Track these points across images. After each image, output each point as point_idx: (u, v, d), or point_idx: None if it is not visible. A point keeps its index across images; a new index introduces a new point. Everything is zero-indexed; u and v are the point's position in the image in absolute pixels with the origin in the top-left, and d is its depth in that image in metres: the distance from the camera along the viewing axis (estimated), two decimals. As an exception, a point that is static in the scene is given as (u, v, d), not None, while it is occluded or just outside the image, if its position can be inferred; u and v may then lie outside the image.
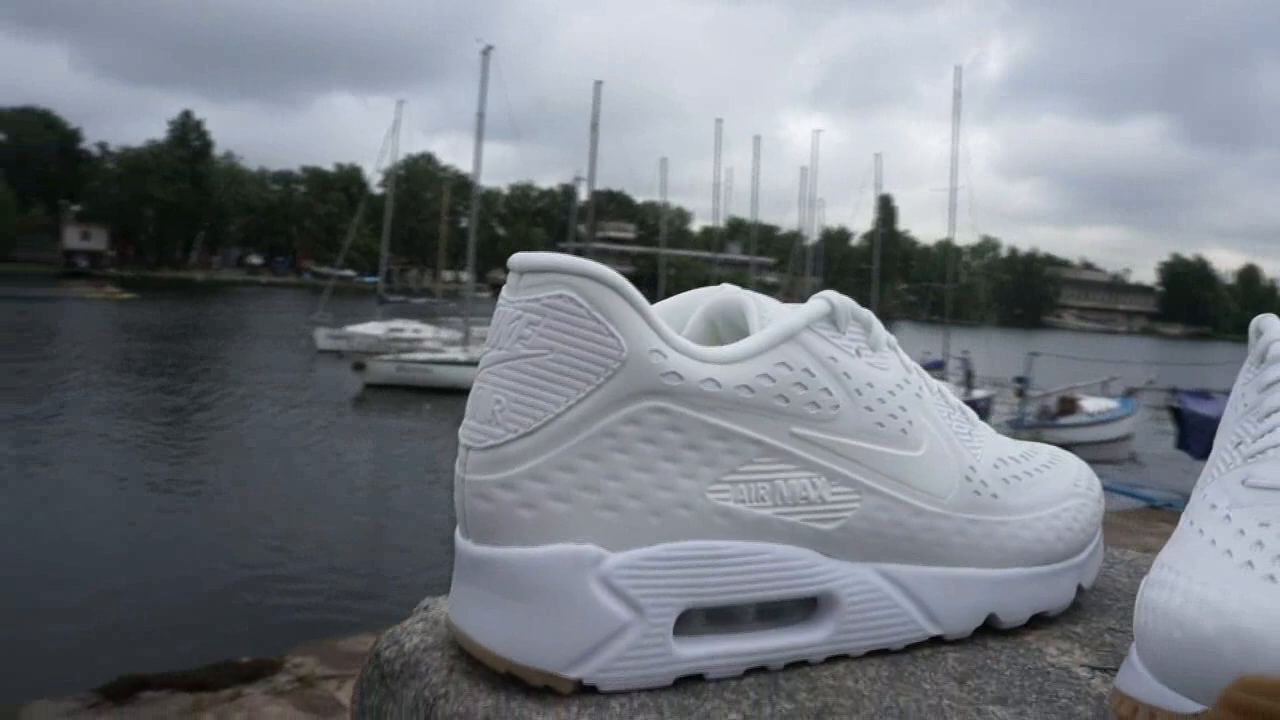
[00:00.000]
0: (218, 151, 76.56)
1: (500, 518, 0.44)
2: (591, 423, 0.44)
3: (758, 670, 0.48)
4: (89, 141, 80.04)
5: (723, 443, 0.46)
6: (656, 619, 0.45)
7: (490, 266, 77.98)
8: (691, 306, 0.53)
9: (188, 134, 73.23)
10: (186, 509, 13.32)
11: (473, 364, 28.19)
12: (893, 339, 0.53)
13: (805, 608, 0.49)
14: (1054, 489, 0.57)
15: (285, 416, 22.60)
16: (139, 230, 73.59)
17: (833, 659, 0.49)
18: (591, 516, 0.44)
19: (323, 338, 33.81)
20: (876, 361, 0.51)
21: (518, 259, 0.46)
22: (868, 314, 0.51)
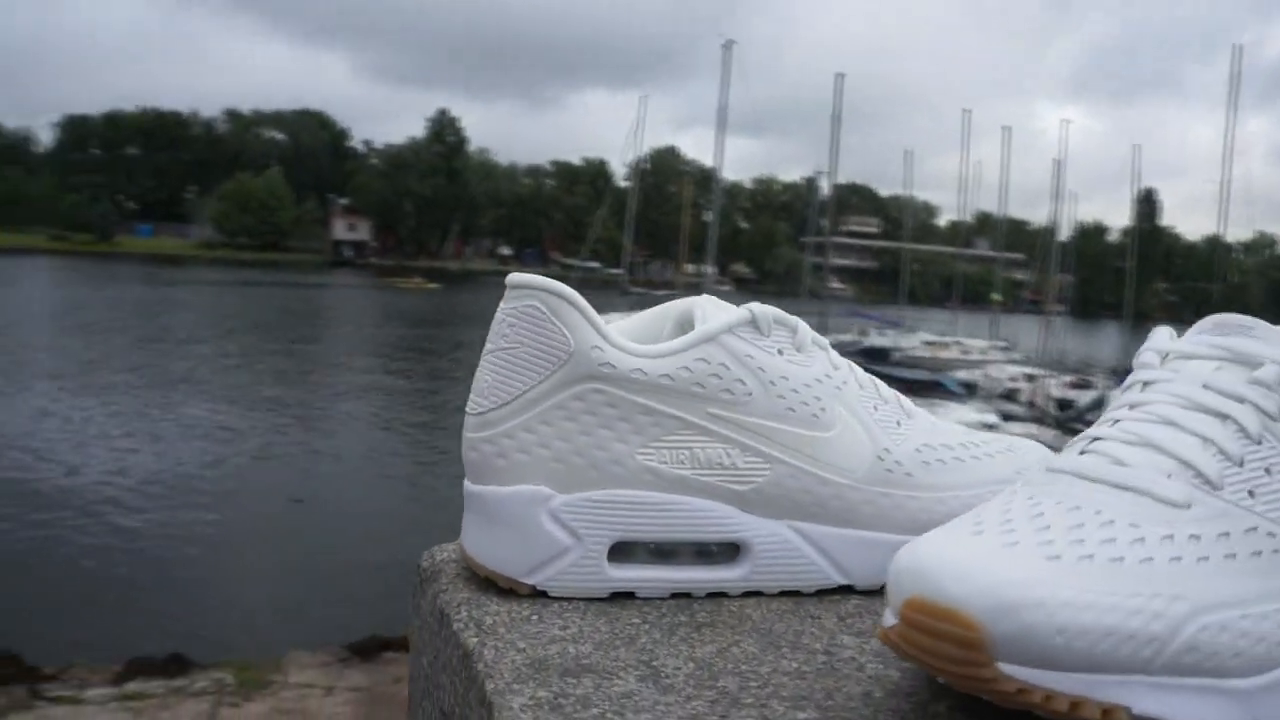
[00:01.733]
0: (472, 147, 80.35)
1: (483, 464, 0.60)
2: (548, 398, 0.59)
3: (683, 596, 0.61)
4: (356, 140, 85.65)
5: (648, 417, 0.60)
6: (592, 546, 0.59)
7: (732, 260, 78.45)
8: (668, 314, 0.67)
9: (444, 131, 77.18)
10: (444, 483, 14.10)
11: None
12: (823, 341, 0.64)
13: (731, 551, 0.62)
14: (985, 474, 0.66)
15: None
16: (399, 222, 78.07)
17: (749, 594, 0.62)
18: (546, 467, 0.59)
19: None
20: (798, 359, 0.63)
21: (509, 278, 0.61)
22: (795, 321, 0.64)
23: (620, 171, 50.38)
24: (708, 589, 0.61)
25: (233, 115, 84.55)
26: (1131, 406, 0.52)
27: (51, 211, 73.51)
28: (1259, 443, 0.48)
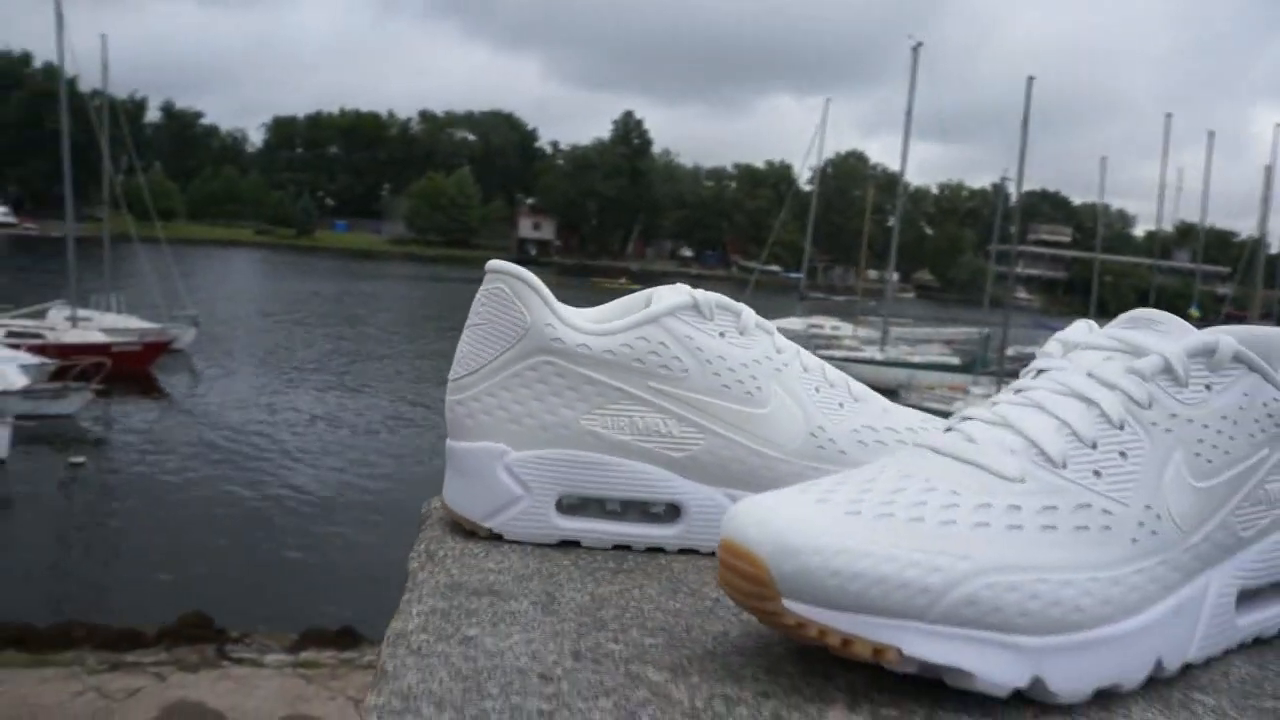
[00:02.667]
0: (656, 149, 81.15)
1: (457, 423, 0.68)
2: (508, 367, 0.67)
3: (624, 548, 0.67)
4: (544, 141, 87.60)
5: (593, 387, 0.66)
6: (540, 497, 0.67)
7: (916, 267, 76.84)
8: (640, 300, 0.73)
9: (629, 133, 78.19)
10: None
11: (889, 364, 28.14)
12: (769, 326, 0.70)
13: (673, 512, 0.68)
14: None
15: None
16: (582, 222, 79.49)
17: (684, 551, 0.68)
18: (504, 427, 0.67)
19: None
20: (739, 342, 0.68)
21: (487, 264, 0.69)
22: (740, 307, 0.69)
23: (804, 175, 49.88)
24: (645, 544, 0.67)
25: (426, 116, 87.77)
26: (1017, 391, 0.56)
27: (259, 207, 77.96)
28: (1120, 428, 0.51)
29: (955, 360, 29.92)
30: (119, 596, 9.30)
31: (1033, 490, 0.49)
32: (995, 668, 0.45)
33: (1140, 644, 0.48)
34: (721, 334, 0.68)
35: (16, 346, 20.57)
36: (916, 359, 29.75)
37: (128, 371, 20.21)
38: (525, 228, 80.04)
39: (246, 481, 13.27)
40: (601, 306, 0.72)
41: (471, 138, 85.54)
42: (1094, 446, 0.50)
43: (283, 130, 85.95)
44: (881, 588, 0.44)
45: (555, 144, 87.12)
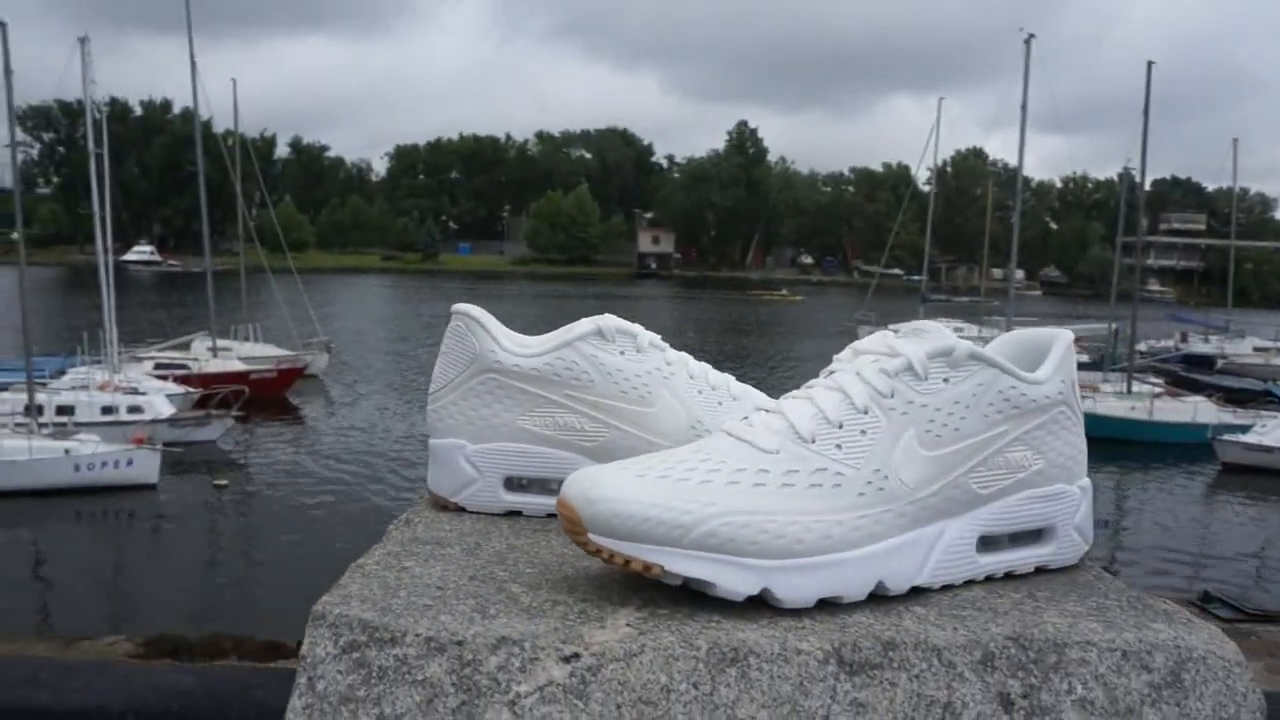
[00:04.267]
0: (771, 157, 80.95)
1: (433, 425, 0.90)
2: (465, 383, 0.88)
3: (554, 515, 0.87)
4: (659, 155, 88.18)
5: (525, 395, 0.87)
6: (490, 478, 0.87)
7: (1041, 263, 74.96)
8: (569, 329, 0.93)
9: (744, 142, 78.29)
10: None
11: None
12: (661, 345, 0.89)
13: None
14: None
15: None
16: (701, 234, 79.75)
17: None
18: (463, 426, 0.88)
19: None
20: (634, 358, 0.88)
21: (453, 307, 0.89)
22: (637, 330, 0.89)
23: (922, 176, 49.22)
24: (569, 515, 0.87)
25: (543, 137, 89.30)
26: (805, 387, 0.74)
27: (385, 234, 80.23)
28: (864, 412, 0.69)
29: (1083, 357, 29.26)
30: (262, 609, 9.85)
31: (783, 459, 0.67)
32: (731, 581, 0.63)
33: (860, 569, 0.65)
34: (621, 352, 0.88)
35: (164, 377, 21.75)
36: (1043, 357, 29.11)
37: (265, 397, 21.15)
38: (645, 242, 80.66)
39: (379, 500, 13.83)
40: (539, 336, 0.92)
41: (588, 156, 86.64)
42: (840, 426, 0.68)
43: (405, 158, 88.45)
44: (649, 524, 0.63)
45: (671, 158, 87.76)
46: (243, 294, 27.66)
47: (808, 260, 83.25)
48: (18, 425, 17.09)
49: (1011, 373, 0.73)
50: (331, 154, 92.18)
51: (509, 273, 76.47)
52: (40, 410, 17.80)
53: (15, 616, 10.49)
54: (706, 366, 0.91)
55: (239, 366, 22.64)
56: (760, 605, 0.64)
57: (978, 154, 75.67)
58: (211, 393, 19.98)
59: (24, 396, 18.00)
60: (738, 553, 0.64)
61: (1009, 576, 0.74)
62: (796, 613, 0.64)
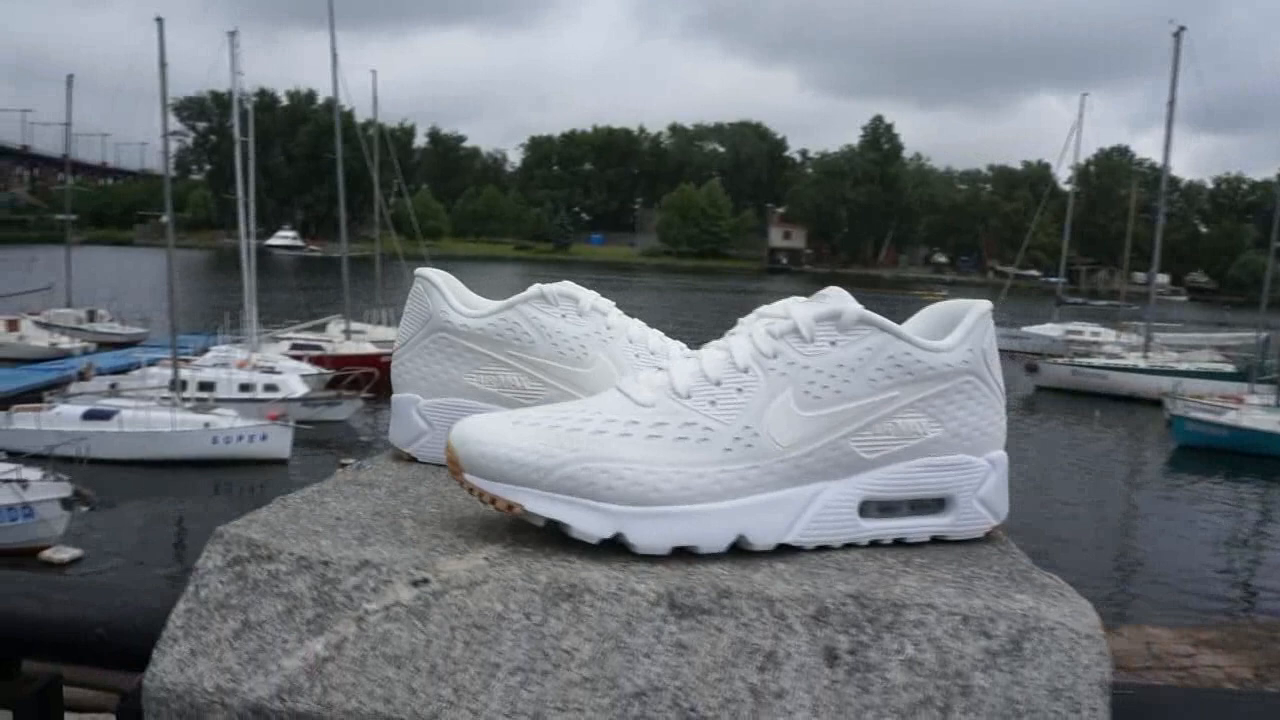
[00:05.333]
0: (907, 154, 79.57)
1: (394, 380, 0.94)
2: (420, 341, 0.92)
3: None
4: (792, 150, 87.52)
5: (472, 354, 0.90)
6: (439, 431, 0.90)
7: (1188, 267, 72.00)
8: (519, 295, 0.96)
9: (879, 138, 77.10)
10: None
11: (1154, 372, 26.50)
12: (602, 307, 0.91)
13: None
14: None
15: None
16: (833, 230, 78.87)
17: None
18: (417, 382, 0.92)
19: (998, 337, 33.81)
20: (575, 321, 0.90)
21: (416, 270, 0.93)
22: (580, 293, 0.91)
23: (1064, 175, 47.71)
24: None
25: (676, 130, 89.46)
26: (703, 348, 0.75)
27: (518, 223, 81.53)
28: (744, 371, 0.70)
29: (1229, 367, 28.01)
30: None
31: (656, 412, 0.68)
32: (585, 523, 0.66)
33: (718, 521, 0.66)
34: (563, 315, 0.90)
35: (299, 358, 22.56)
36: (1184, 366, 28.02)
37: (394, 380, 21.71)
38: (776, 237, 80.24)
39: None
40: (492, 301, 0.96)
41: (721, 149, 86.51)
42: (718, 384, 0.69)
43: (539, 149, 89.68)
44: (511, 465, 0.65)
45: (804, 152, 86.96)
46: (378, 279, 28.48)
47: (941, 259, 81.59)
48: (163, 399, 17.96)
49: (905, 339, 0.72)
50: (468, 144, 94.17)
51: (639, 264, 76.89)
52: (184, 385, 18.68)
53: (148, 570, 11.08)
54: (655, 333, 0.92)
55: (371, 349, 23.33)
56: (620, 549, 0.66)
57: (1122, 152, 73.09)
58: (343, 374, 20.66)
59: (169, 372, 18.92)
60: (594, 497, 0.66)
61: (899, 544, 0.73)
62: (651, 558, 0.65)
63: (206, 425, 16.94)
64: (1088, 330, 34.92)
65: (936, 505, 0.75)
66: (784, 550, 0.69)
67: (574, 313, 0.91)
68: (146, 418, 16.77)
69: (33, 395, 19.26)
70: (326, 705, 0.59)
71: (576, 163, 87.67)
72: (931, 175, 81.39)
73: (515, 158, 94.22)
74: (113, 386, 19.32)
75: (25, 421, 16.57)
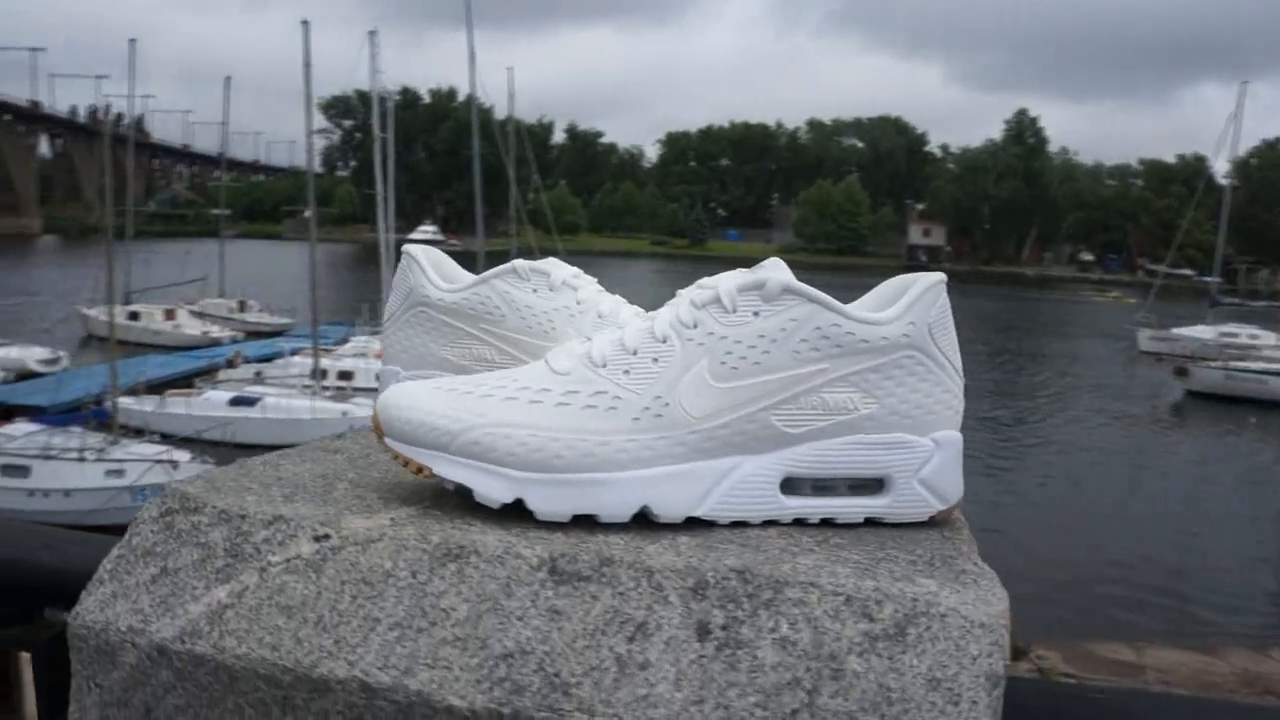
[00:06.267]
0: (1052, 148, 77.14)
1: (384, 354, 0.96)
2: (402, 316, 0.94)
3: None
4: (933, 144, 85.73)
5: (447, 328, 0.92)
6: None
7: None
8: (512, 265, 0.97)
9: (1023, 132, 74.86)
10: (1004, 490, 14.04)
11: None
12: (576, 281, 0.91)
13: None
14: None
15: (1095, 415, 22.32)
16: (974, 227, 76.97)
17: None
18: (399, 355, 0.94)
19: (1145, 339, 32.55)
20: (546, 296, 0.90)
21: (404, 246, 0.96)
22: (551, 269, 0.91)
23: (1221, 169, 45.61)
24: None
25: (814, 125, 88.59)
26: (636, 317, 0.75)
27: (654, 219, 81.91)
28: (663, 341, 0.69)
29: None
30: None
31: (570, 380, 0.69)
32: (487, 487, 0.66)
33: (621, 491, 0.66)
34: (534, 290, 0.91)
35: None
36: (1353, 372, 26.48)
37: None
38: (915, 234, 78.81)
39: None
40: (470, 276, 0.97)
41: (859, 144, 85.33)
42: (634, 353, 0.69)
43: (676, 145, 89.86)
44: (423, 430, 0.67)
45: (945, 147, 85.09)
46: (513, 273, 28.85)
47: (1088, 257, 78.81)
48: (304, 387, 18.64)
49: (835, 310, 0.70)
50: (605, 140, 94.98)
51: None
52: (324, 374, 19.35)
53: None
54: (632, 308, 0.92)
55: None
56: (526, 516, 0.66)
57: (1289, 146, 69.40)
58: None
59: (311, 361, 19.62)
60: (497, 462, 0.66)
61: (828, 524, 0.71)
62: (547, 525, 0.66)
63: (344, 414, 17.50)
64: (1244, 332, 33.26)
65: (875, 486, 0.72)
66: (696, 525, 0.68)
67: (545, 287, 0.91)
68: (288, 405, 17.43)
69: (185, 381, 20.25)
70: (220, 649, 0.61)
71: (713, 158, 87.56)
72: (1078, 170, 78.65)
73: (652, 153, 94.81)
74: (258, 374, 20.17)
75: (177, 406, 17.45)
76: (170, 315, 28.16)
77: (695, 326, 0.69)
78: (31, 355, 21.69)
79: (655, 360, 0.69)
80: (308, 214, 22.91)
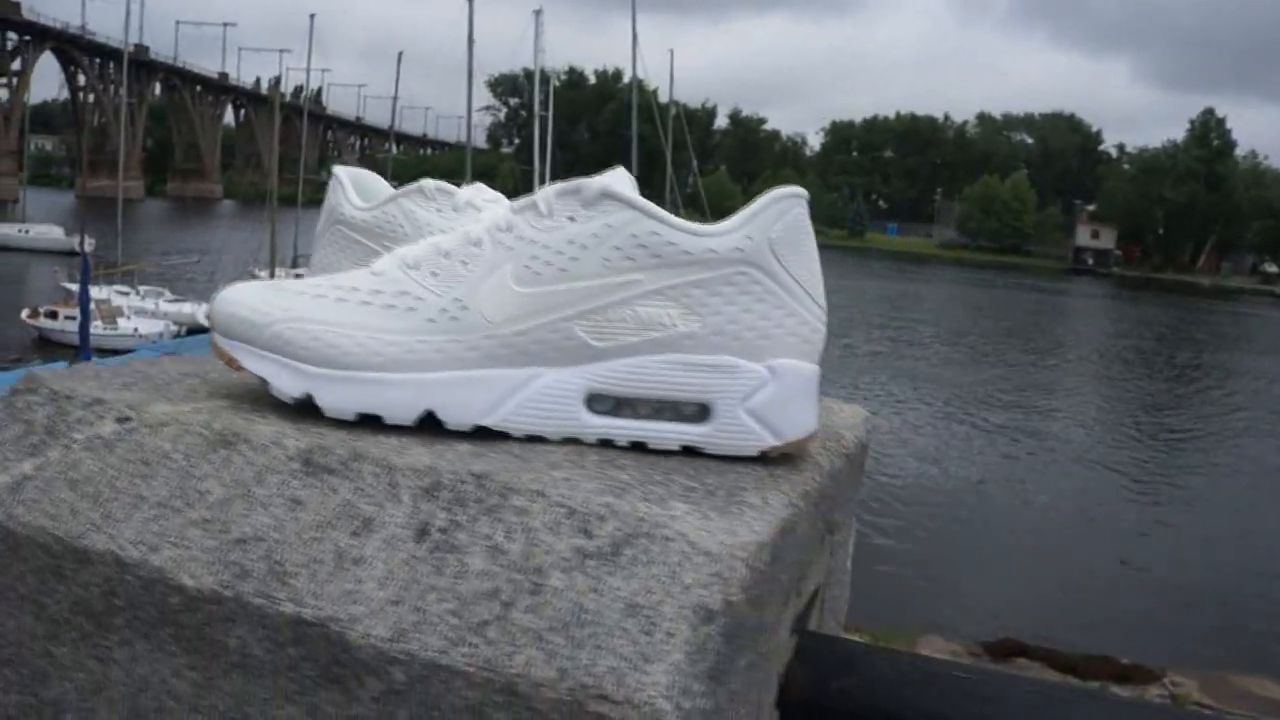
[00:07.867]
0: (1240, 151, 73.09)
1: (315, 268, 0.98)
2: (324, 234, 0.97)
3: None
4: (1108, 144, 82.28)
5: (358, 245, 0.93)
6: None
7: None
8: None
9: (1208, 133, 71.01)
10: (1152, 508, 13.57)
11: None
12: (477, 204, 0.92)
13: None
14: None
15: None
16: (1147, 231, 73.60)
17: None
18: (319, 273, 0.95)
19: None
20: (450, 216, 0.91)
21: (334, 168, 0.98)
22: (457, 192, 0.92)
23: None
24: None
25: (983, 119, 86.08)
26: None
27: (814, 208, 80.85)
28: (477, 245, 0.69)
29: None
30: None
31: (380, 280, 0.69)
32: (281, 381, 0.68)
33: (404, 392, 0.66)
34: (438, 210, 0.92)
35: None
36: None
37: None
38: (1082, 236, 75.88)
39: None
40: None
41: (1029, 140, 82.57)
42: (446, 256, 0.69)
43: (840, 134, 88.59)
44: (235, 323, 0.68)
45: (1121, 147, 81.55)
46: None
47: (1271, 269, 74.47)
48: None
49: (657, 217, 0.67)
50: (768, 127, 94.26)
51: (935, 256, 74.67)
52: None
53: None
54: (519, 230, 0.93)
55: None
56: (321, 413, 0.68)
57: None
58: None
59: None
60: (293, 356, 0.68)
61: (640, 447, 0.68)
62: (329, 422, 0.67)
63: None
64: None
65: (698, 412, 0.68)
66: (489, 435, 0.68)
67: (449, 208, 0.93)
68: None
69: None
70: (11, 517, 0.64)
71: (877, 149, 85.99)
72: (1267, 176, 74.14)
73: (815, 142, 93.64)
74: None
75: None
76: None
77: (509, 230, 0.69)
78: (203, 311, 22.97)
79: (464, 264, 0.68)
80: (467, 188, 23.61)
